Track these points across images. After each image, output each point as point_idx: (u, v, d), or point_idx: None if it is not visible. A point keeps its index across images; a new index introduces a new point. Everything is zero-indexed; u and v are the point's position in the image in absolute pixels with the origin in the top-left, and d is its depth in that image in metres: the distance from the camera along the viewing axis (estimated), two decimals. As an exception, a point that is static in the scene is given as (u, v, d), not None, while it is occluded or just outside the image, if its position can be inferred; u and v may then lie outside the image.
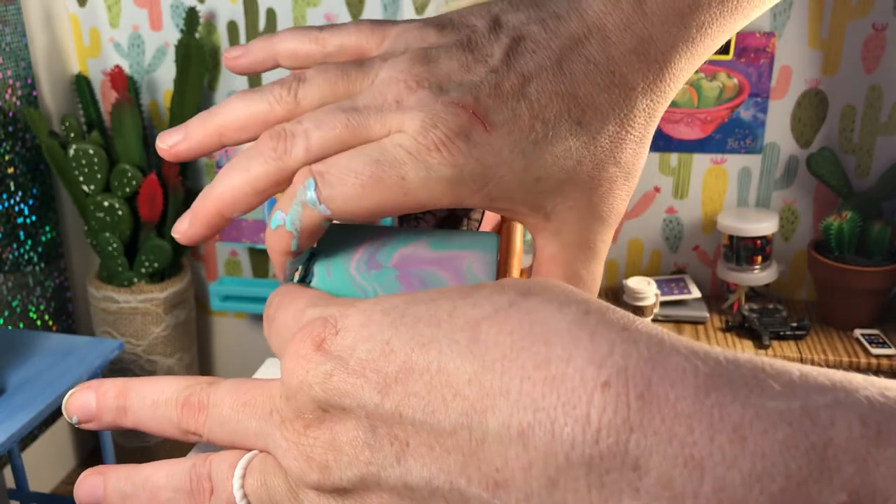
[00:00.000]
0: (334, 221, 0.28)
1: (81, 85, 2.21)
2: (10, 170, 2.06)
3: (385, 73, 0.29)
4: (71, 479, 2.30)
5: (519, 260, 0.33)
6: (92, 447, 2.41)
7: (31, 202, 2.14)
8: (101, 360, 1.60)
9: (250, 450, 0.28)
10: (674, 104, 2.02)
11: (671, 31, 0.30)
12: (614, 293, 2.17)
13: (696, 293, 2.03)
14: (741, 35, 1.96)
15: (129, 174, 2.06)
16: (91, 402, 0.30)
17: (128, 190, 2.08)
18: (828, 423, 0.18)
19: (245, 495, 0.27)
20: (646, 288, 1.90)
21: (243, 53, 0.34)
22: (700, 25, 0.30)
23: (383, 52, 0.31)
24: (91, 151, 2.04)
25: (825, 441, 0.18)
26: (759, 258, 1.99)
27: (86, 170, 2.05)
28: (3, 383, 1.51)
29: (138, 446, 2.29)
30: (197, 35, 2.12)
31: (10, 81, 2.05)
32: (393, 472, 0.23)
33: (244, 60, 0.34)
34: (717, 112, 2.03)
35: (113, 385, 0.30)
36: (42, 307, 2.20)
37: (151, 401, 0.29)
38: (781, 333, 1.90)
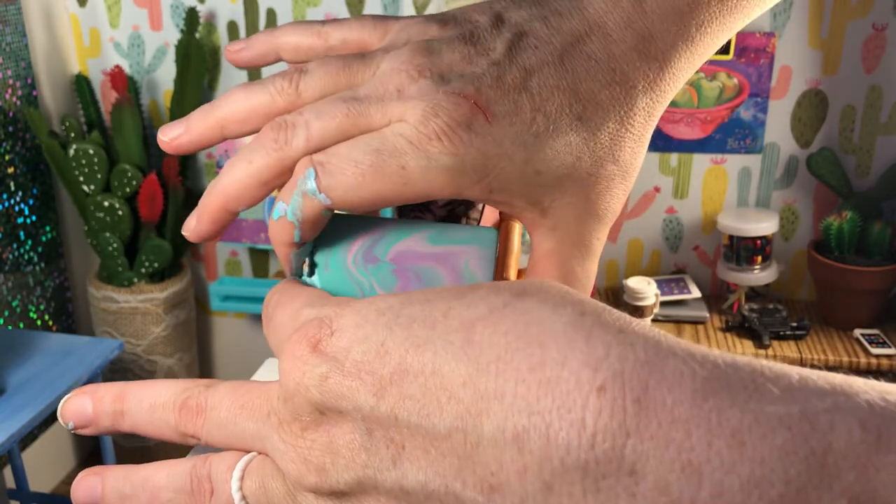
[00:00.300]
0: (336, 212, 0.28)
1: (81, 85, 2.21)
2: (10, 170, 2.06)
3: (387, 64, 0.29)
4: (71, 480, 2.29)
5: (517, 260, 0.33)
6: (92, 447, 2.41)
7: (31, 202, 2.14)
8: (101, 360, 1.60)
9: (249, 452, 0.27)
10: (674, 104, 2.02)
11: (671, 30, 0.30)
12: (614, 293, 2.16)
13: (696, 293, 2.02)
14: (741, 35, 1.96)
15: (130, 174, 2.06)
16: (87, 407, 0.30)
17: (128, 190, 2.08)
18: (827, 427, 0.18)
19: (244, 497, 0.27)
20: (646, 288, 1.89)
21: (245, 47, 0.34)
22: (699, 24, 0.30)
23: (385, 44, 0.31)
24: (91, 151, 2.04)
25: (825, 446, 0.18)
26: (759, 258, 1.99)
27: (86, 170, 2.05)
28: (3, 383, 1.51)
29: (138, 447, 2.29)
30: (197, 35, 2.12)
31: (10, 81, 2.05)
32: (389, 476, 0.23)
33: (246, 54, 0.34)
34: (717, 112, 2.03)
35: (109, 389, 0.30)
36: (42, 307, 2.20)
37: (149, 404, 0.29)
38: (781, 333, 1.89)
